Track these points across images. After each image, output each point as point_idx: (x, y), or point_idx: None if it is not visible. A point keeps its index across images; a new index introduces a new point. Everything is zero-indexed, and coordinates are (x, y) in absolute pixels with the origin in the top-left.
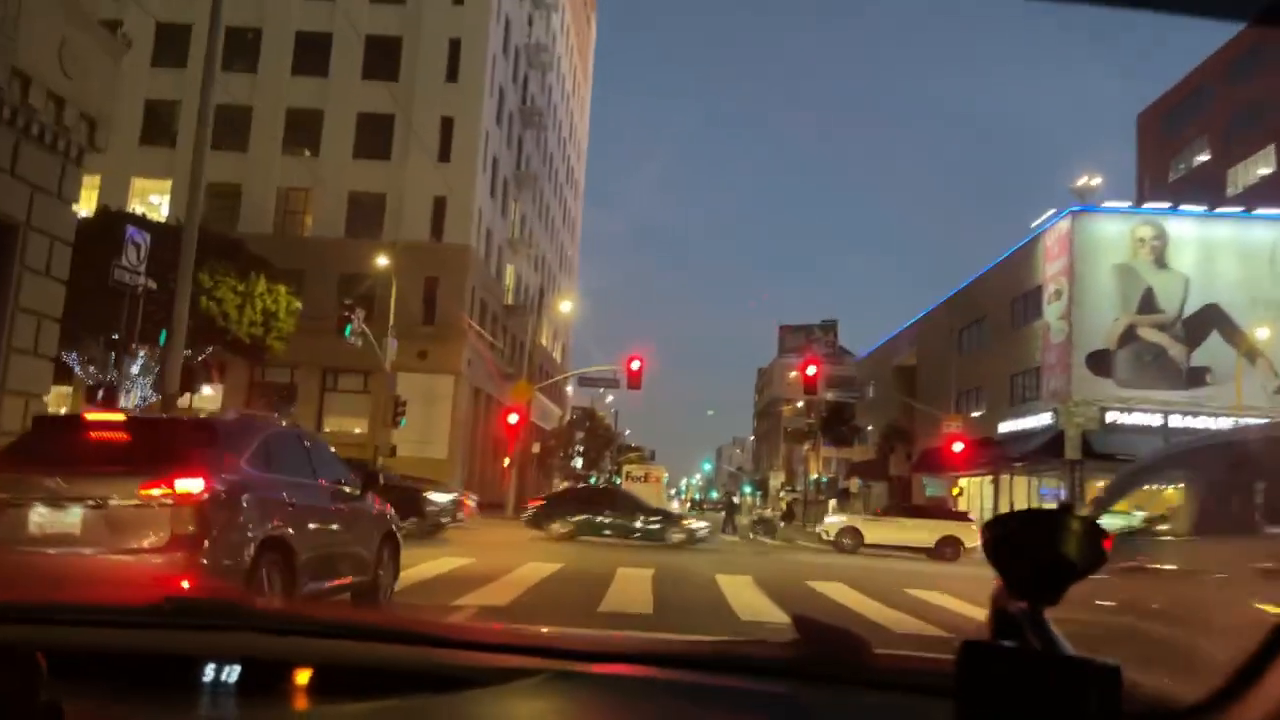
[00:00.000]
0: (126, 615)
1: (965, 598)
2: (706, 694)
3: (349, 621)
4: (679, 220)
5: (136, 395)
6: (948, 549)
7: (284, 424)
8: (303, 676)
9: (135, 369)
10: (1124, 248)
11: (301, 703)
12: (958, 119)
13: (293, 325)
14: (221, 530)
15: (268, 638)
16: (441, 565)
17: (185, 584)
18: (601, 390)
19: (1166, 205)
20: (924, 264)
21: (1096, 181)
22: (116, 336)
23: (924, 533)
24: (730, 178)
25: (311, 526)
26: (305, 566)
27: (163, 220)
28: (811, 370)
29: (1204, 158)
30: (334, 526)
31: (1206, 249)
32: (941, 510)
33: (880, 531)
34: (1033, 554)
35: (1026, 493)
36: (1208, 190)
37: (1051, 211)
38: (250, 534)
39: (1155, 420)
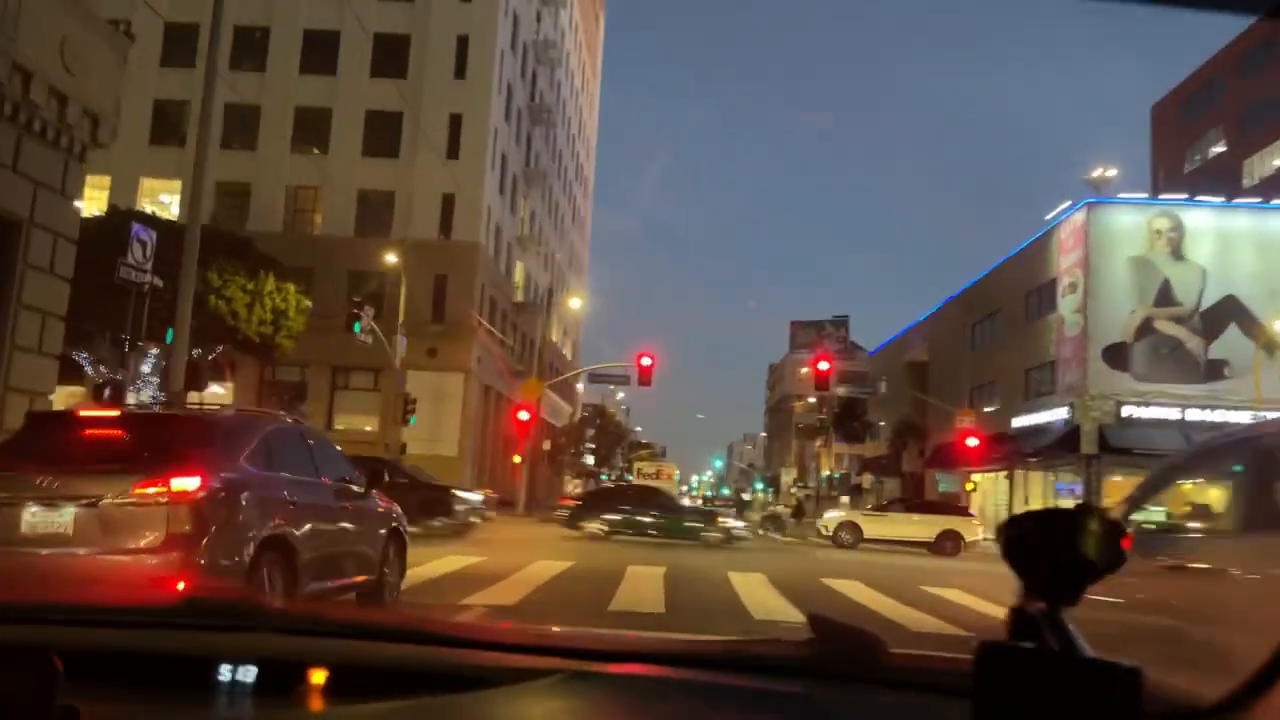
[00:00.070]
0: (142, 616)
1: (983, 595)
2: (721, 693)
3: (365, 622)
4: (685, 218)
5: (147, 394)
6: (947, 543)
7: (289, 420)
8: (319, 677)
9: (146, 368)
10: (1140, 239)
11: (318, 703)
12: (961, 115)
13: (302, 324)
14: (219, 529)
15: (283, 638)
16: (450, 563)
17: (181, 585)
18: (612, 387)
19: (1183, 196)
20: (932, 259)
21: (1112, 173)
22: (126, 336)
23: (923, 527)
24: (736, 175)
25: (314, 525)
26: (308, 566)
27: (173, 219)
28: (823, 366)
29: (1220, 149)
30: (337, 525)
31: (1224, 240)
32: (941, 505)
33: (879, 526)
34: (1051, 554)
35: (1042, 488)
36: (1224, 181)
37: (1066, 204)
38: (250, 533)
39: (1173, 414)
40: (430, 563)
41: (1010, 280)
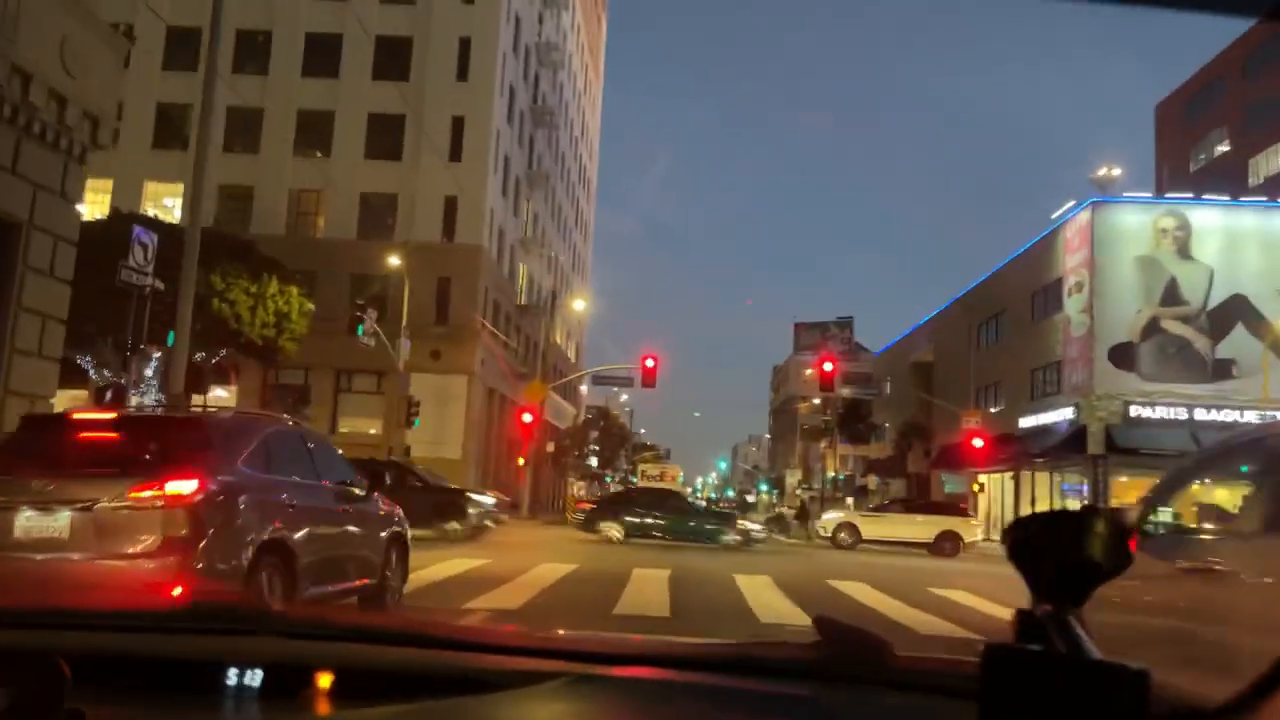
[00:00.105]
0: (147, 620)
1: (989, 596)
2: (727, 696)
3: (369, 625)
4: (686, 218)
5: (150, 397)
6: (946, 544)
7: (290, 423)
8: (325, 681)
9: (150, 371)
10: (1146, 239)
11: (324, 707)
12: (961, 115)
13: (305, 327)
14: (216, 533)
15: (288, 642)
16: (454, 566)
17: (178, 590)
18: (616, 389)
19: (1189, 196)
20: (935, 259)
21: (1117, 172)
22: (129, 339)
23: (922, 528)
24: (737, 175)
25: (314, 529)
26: (307, 570)
27: (175, 222)
28: (828, 367)
29: (1224, 148)
30: (338, 528)
31: (1230, 239)
32: (939, 505)
33: (877, 527)
34: (1057, 556)
35: (1048, 489)
36: (1229, 181)
37: (1071, 203)
38: (248, 537)
39: (1180, 414)
40: (434, 565)
41: (1015, 280)
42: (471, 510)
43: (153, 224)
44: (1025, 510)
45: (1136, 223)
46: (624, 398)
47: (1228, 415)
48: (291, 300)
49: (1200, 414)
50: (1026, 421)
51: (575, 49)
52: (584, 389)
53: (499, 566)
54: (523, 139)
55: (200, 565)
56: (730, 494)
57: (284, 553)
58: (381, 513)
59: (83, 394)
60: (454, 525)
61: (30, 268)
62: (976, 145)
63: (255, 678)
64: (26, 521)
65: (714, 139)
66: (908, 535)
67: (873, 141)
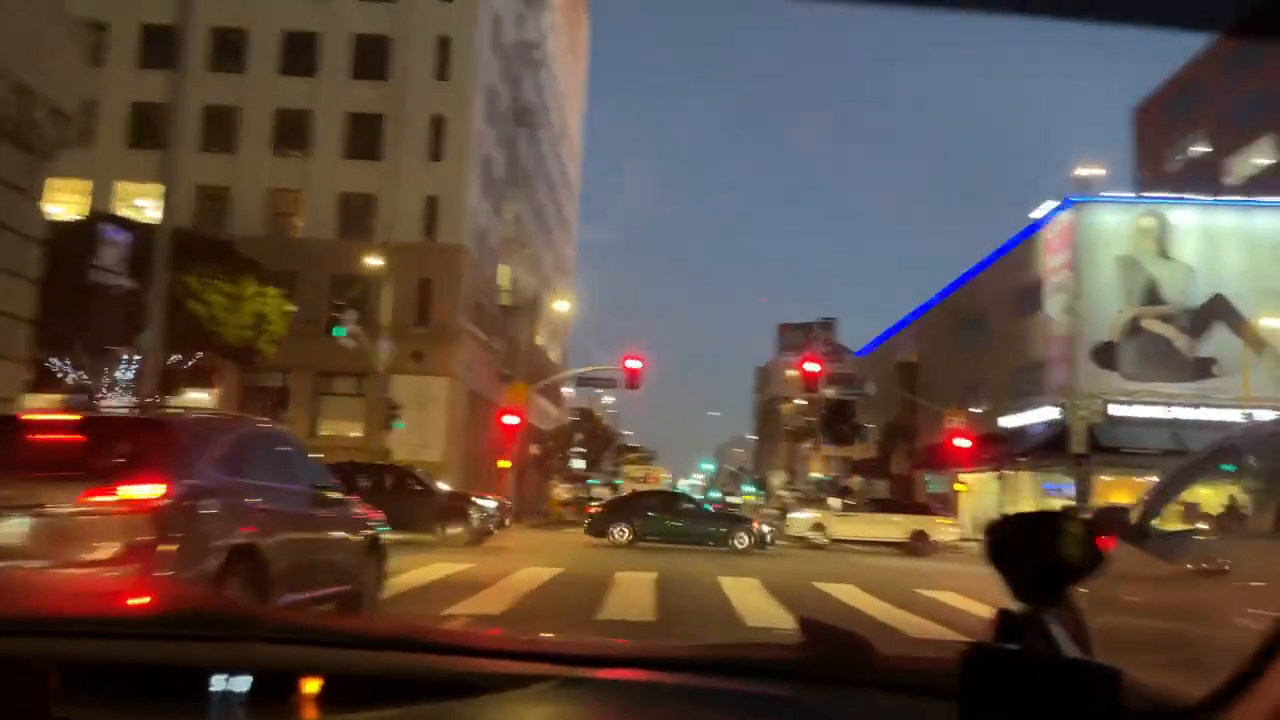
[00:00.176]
0: (135, 627)
1: (978, 597)
2: (711, 697)
3: (357, 630)
4: (669, 221)
5: (123, 400)
6: (920, 543)
7: (267, 425)
8: (312, 686)
9: (129, 374)
10: (1126, 239)
11: (312, 713)
12: (939, 117)
13: (284, 328)
14: (183, 539)
15: (278, 648)
16: (435, 571)
17: (145, 599)
18: (599, 392)
19: (1169, 195)
20: (915, 259)
21: (1099, 172)
22: (100, 340)
23: (894, 527)
24: (724, 178)
25: (287, 534)
26: (280, 577)
27: (151, 223)
28: (812, 368)
29: (1202, 149)
30: (313, 534)
31: (1210, 238)
32: (909, 505)
33: (848, 527)
34: (1033, 556)
35: (1031, 488)
36: (1207, 181)
37: (1052, 204)
38: (216, 543)
39: (1161, 413)
40: (414, 570)
41: (997, 281)
42: (474, 514)
43: (127, 224)
44: (1009, 509)
45: (1117, 223)
46: (609, 400)
47: (1208, 414)
48: (270, 301)
49: (1182, 412)
50: (1009, 421)
51: (557, 50)
52: (570, 391)
53: (481, 571)
54: (504, 139)
55: (165, 573)
56: (715, 495)
57: (256, 559)
58: (358, 517)
59: (57, 398)
60: (456, 530)
61: None
62: (955, 146)
63: (244, 684)
64: None
65: (699, 141)
66: (878, 534)
67: (867, 144)
